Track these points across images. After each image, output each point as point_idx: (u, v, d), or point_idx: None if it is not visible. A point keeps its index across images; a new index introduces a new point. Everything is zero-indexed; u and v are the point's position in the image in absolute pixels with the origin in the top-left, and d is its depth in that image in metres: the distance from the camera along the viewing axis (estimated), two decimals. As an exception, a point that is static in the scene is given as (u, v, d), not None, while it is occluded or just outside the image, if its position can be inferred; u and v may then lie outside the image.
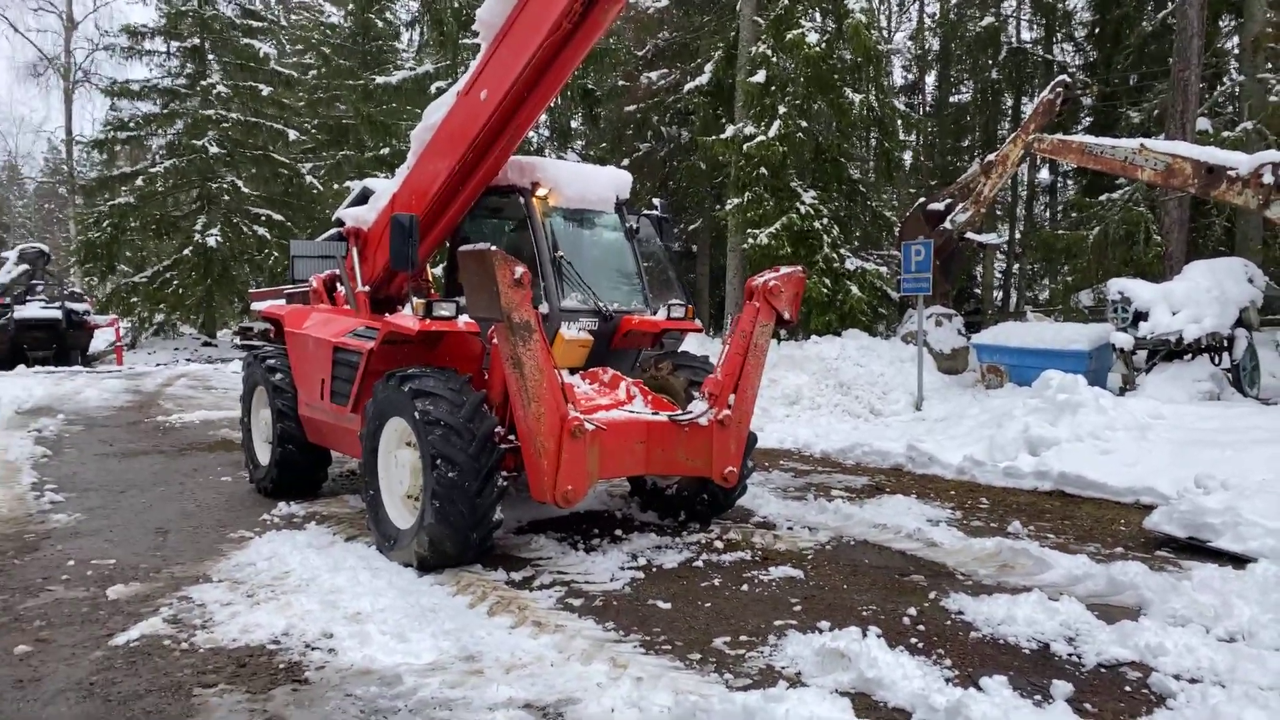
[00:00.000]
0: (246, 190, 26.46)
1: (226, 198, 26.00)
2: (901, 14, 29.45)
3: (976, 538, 5.91)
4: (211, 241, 24.90)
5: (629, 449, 5.52)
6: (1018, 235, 25.28)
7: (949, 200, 14.46)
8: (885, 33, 27.08)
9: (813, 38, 15.05)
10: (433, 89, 20.37)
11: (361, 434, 5.76)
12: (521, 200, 6.22)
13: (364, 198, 7.18)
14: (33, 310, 20.87)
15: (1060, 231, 18.42)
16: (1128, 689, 3.65)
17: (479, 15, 5.60)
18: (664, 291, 7.01)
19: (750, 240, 15.22)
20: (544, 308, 5.90)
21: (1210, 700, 3.36)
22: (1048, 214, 27.30)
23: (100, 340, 23.53)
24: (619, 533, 6.10)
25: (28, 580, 5.15)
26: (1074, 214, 18.82)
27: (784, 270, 5.86)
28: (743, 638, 4.21)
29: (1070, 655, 3.97)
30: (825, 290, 14.78)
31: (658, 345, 6.92)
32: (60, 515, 6.72)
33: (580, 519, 6.57)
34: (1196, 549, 5.56)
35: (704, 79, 19.47)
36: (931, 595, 4.79)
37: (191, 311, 27.50)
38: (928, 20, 26.35)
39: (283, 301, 8.25)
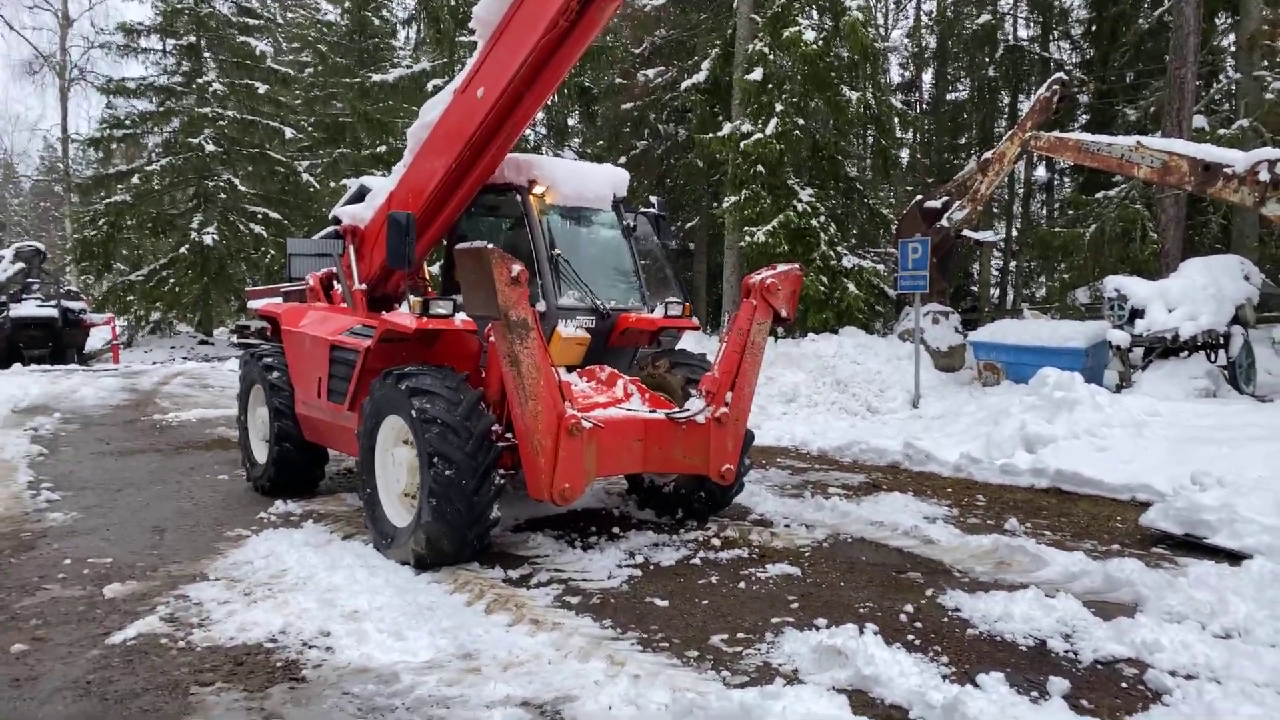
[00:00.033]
0: (243, 188, 26.43)
1: (223, 196, 25.97)
2: (898, 11, 29.51)
3: (973, 535, 5.92)
4: (208, 239, 24.88)
5: (626, 447, 5.52)
6: (1014, 233, 25.31)
7: (946, 198, 14.48)
8: (882, 30, 27.11)
9: (810, 35, 15.05)
10: (429, 87, 20.34)
11: (359, 432, 5.76)
12: (519, 198, 6.21)
13: (361, 195, 7.17)
14: (29, 309, 20.84)
15: (1057, 229, 18.46)
16: (1124, 685, 3.66)
17: (476, 13, 5.59)
18: (661, 289, 7.00)
19: (747, 238, 15.23)
20: (541, 305, 5.89)
21: (1206, 696, 3.37)
22: (1044, 211, 27.34)
23: (96, 339, 23.50)
24: (616, 530, 6.11)
25: (24, 579, 5.14)
26: (1070, 211, 18.87)
27: (781, 268, 5.86)
28: (740, 635, 4.21)
29: (1067, 652, 3.97)
30: (822, 288, 14.79)
31: (655, 343, 6.92)
32: (56, 514, 6.70)
33: (578, 517, 6.57)
34: (1192, 546, 5.57)
35: (701, 77, 19.47)
36: (928, 592, 4.80)
37: (188, 310, 27.49)
38: (924, 18, 26.38)
39: (279, 300, 8.23)
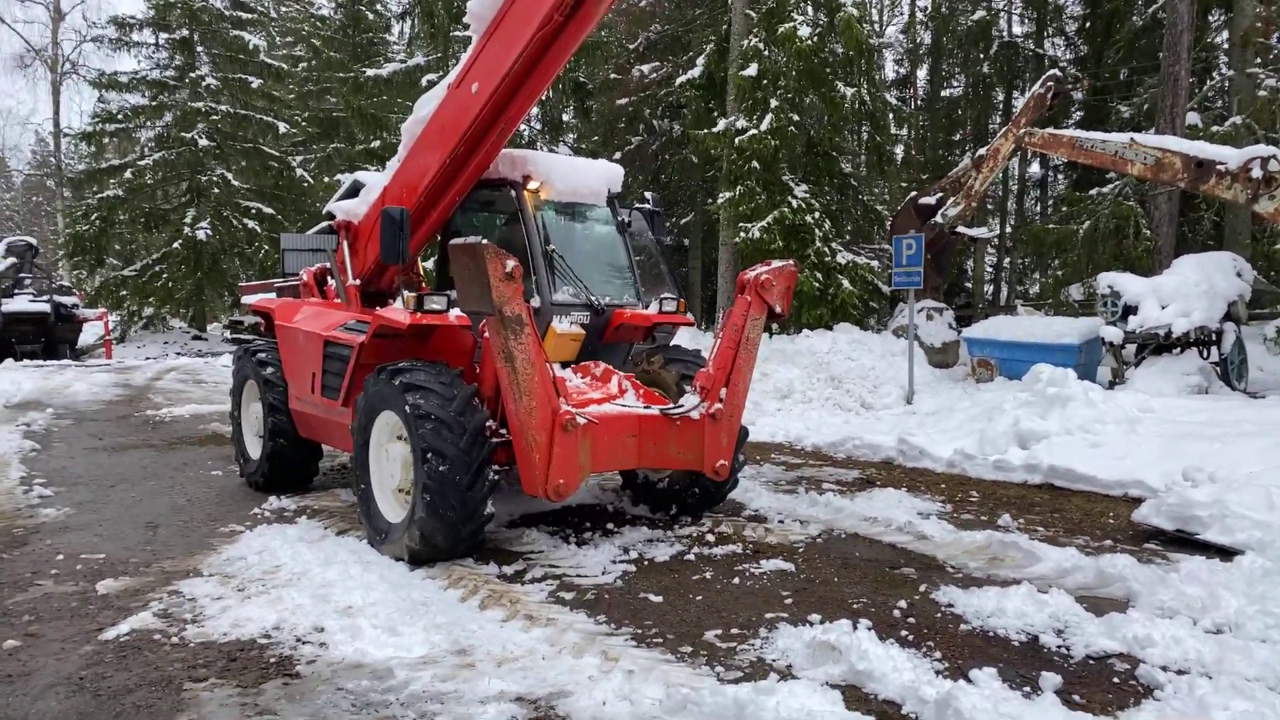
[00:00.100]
0: (236, 183, 26.33)
1: (216, 191, 25.86)
2: (893, 8, 29.49)
3: (966, 531, 5.94)
4: (201, 235, 24.77)
5: (621, 443, 5.52)
6: (1008, 229, 25.35)
7: (940, 194, 14.50)
8: (877, 27, 27.13)
9: (804, 31, 15.05)
10: (424, 82, 20.24)
11: (352, 428, 5.75)
12: (513, 194, 6.21)
13: (354, 191, 7.14)
14: (21, 304, 20.75)
15: (1051, 226, 18.47)
16: (1116, 680, 3.68)
17: (470, 8, 5.58)
18: (656, 285, 7.00)
19: (742, 234, 15.23)
20: (535, 301, 5.89)
21: (1197, 691, 3.39)
22: (1038, 208, 27.37)
23: (89, 334, 23.41)
24: (610, 526, 6.11)
25: (16, 575, 5.13)
26: (1064, 208, 18.89)
27: (775, 264, 5.87)
28: (734, 631, 4.22)
29: (1059, 647, 3.99)
30: (817, 284, 14.80)
31: (649, 339, 6.92)
32: (49, 509, 6.69)
33: (572, 513, 6.57)
34: (1184, 541, 5.60)
35: (696, 72, 19.44)
36: (922, 588, 4.81)
37: (181, 305, 27.36)
38: (919, 14, 26.37)
39: (273, 295, 8.20)
